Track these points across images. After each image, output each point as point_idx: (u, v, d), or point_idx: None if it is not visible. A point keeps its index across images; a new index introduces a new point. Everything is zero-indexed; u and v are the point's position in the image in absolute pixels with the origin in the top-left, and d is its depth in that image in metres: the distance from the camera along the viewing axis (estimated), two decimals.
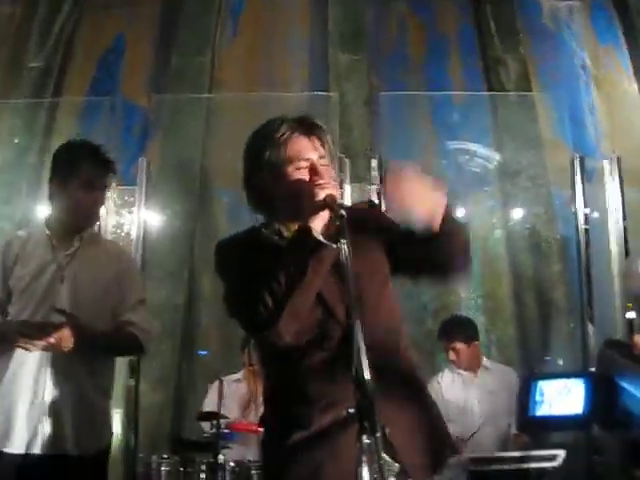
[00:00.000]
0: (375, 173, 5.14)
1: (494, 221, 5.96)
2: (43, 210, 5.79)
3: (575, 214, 5.23)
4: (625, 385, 3.30)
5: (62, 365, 2.97)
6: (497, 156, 6.04)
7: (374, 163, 5.30)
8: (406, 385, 2.14)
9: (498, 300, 5.94)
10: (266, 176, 2.09)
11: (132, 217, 5.36)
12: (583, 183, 5.24)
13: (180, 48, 6.58)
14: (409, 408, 2.09)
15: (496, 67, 6.44)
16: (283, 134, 2.07)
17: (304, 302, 1.97)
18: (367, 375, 1.67)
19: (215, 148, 6.08)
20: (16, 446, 2.95)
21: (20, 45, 6.80)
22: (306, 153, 2.08)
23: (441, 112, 6.23)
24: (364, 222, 2.12)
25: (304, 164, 2.06)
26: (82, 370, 3.02)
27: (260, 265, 1.99)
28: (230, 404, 4.59)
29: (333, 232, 1.92)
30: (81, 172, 3.03)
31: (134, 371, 5.00)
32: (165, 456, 4.12)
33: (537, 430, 3.71)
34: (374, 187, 5.17)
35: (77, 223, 3.11)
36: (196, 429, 4.82)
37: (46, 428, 2.95)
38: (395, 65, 6.52)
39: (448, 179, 5.92)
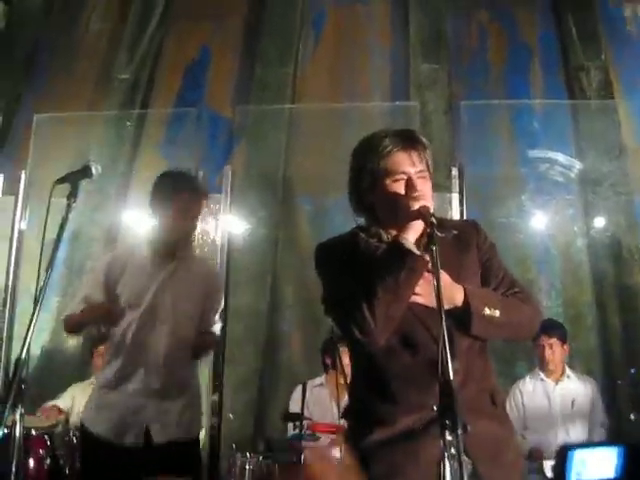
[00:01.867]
0: (456, 181, 5.16)
1: (575, 229, 5.91)
2: (131, 216, 6.03)
3: None
4: None
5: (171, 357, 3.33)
6: (578, 164, 5.99)
7: (455, 172, 5.32)
8: (490, 399, 2.23)
9: (580, 308, 5.88)
10: (367, 184, 2.21)
11: (217, 224, 5.51)
12: None
13: (263, 59, 6.73)
14: (492, 422, 2.18)
15: (578, 75, 6.39)
16: (385, 148, 2.19)
17: (397, 310, 2.08)
18: (451, 375, 1.76)
19: (297, 157, 6.19)
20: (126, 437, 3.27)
21: (110, 59, 7.09)
22: (404, 167, 2.18)
23: (522, 120, 6.21)
24: (466, 234, 2.26)
25: (402, 177, 2.17)
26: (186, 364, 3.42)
27: (355, 268, 2.13)
28: (313, 407, 4.70)
29: (426, 242, 2.01)
30: (179, 201, 3.34)
31: (218, 375, 5.15)
32: (249, 454, 4.24)
33: None
34: (455, 195, 5.20)
35: (175, 246, 3.43)
36: (277, 431, 4.95)
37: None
38: (476, 74, 6.52)
39: (529, 188, 5.93)
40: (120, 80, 6.91)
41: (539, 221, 5.97)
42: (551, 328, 5.00)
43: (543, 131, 6.14)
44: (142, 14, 7.19)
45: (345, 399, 4.73)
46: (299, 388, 4.60)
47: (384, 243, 2.20)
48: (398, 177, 2.17)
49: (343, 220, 5.66)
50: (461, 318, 2.11)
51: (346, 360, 4.27)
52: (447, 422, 1.72)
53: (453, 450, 1.71)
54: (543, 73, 6.53)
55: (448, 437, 1.72)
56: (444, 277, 2.01)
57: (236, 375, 5.71)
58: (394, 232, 2.17)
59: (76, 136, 6.53)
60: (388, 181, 2.18)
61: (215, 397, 5.18)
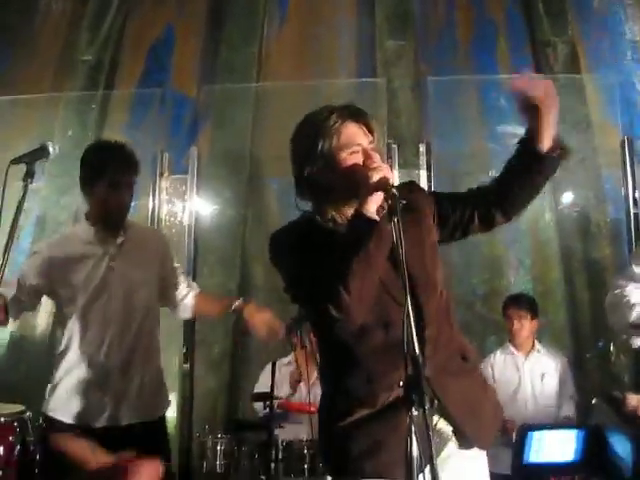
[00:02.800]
0: (423, 158, 5.15)
1: (544, 204, 5.92)
2: None
3: (625, 197, 5.19)
4: (614, 440, 3.45)
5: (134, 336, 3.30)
6: None
7: (422, 148, 5.31)
8: (461, 358, 2.24)
9: (548, 284, 5.91)
10: (320, 164, 2.17)
11: (184, 205, 5.46)
12: (633, 165, 5.20)
13: (228, 39, 6.64)
14: (465, 379, 2.19)
15: (544, 50, 6.38)
16: (335, 122, 2.16)
17: (372, 283, 2.06)
18: (417, 349, 1.76)
19: (264, 136, 6.14)
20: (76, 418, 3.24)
21: (72, 39, 6.95)
22: (358, 139, 2.17)
23: (489, 96, 6.18)
24: (411, 199, 2.20)
25: (356, 149, 2.15)
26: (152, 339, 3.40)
27: (316, 251, 2.09)
28: (282, 386, 4.68)
29: (386, 213, 1.99)
30: (106, 173, 3.24)
31: (189, 355, 5.12)
32: (220, 435, 4.24)
33: (531, 476, 3.82)
34: (423, 172, 5.19)
35: (112, 219, 3.33)
36: (249, 411, 4.93)
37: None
38: (442, 50, 6.49)
39: (497, 164, 5.92)
40: (82, 61, 6.79)
41: None
42: (520, 301, 5.05)
43: (511, 106, 6.10)
44: None
45: (314, 378, 4.77)
46: (268, 367, 4.59)
47: (340, 226, 2.17)
48: (354, 149, 2.15)
49: None
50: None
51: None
52: (414, 397, 1.72)
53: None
54: (510, 48, 6.51)
55: (415, 412, 1.72)
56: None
57: (207, 356, 5.68)
58: (349, 212, 2.14)
59: (38, 119, 6.44)
60: (344, 155, 2.15)
61: (186, 378, 5.16)
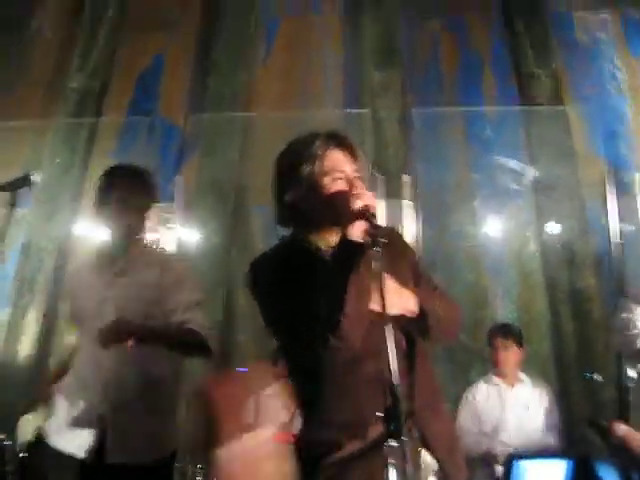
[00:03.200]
0: (407, 189, 5.17)
1: (528, 235, 5.96)
2: (84, 226, 5.96)
3: (607, 228, 5.24)
4: (602, 470, 3.45)
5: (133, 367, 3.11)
6: (531, 170, 6.05)
7: (406, 179, 5.34)
8: (436, 396, 2.24)
9: (533, 314, 5.93)
10: (302, 189, 2.15)
11: (169, 233, 5.47)
12: (617, 197, 5.25)
13: (216, 68, 6.71)
14: (445, 417, 2.25)
15: (529, 82, 6.46)
16: (319, 148, 2.15)
17: (366, 307, 2.01)
18: (395, 380, 1.75)
19: (251, 165, 6.17)
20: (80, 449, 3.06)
21: (61, 66, 6.99)
22: (342, 165, 2.16)
23: (474, 128, 6.26)
24: (394, 240, 2.23)
25: (340, 175, 2.15)
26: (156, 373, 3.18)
27: (307, 279, 2.05)
28: (265, 419, 4.66)
29: (368, 241, 1.98)
30: (113, 194, 3.12)
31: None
32: (200, 466, 4.21)
33: None
34: (407, 202, 5.22)
35: (123, 243, 3.20)
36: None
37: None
38: (428, 82, 6.56)
39: (482, 194, 5.98)
40: (72, 88, 6.83)
41: (493, 227, 6.02)
42: (508, 330, 5.05)
43: (496, 138, 6.19)
44: (94, 22, 7.10)
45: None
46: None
47: (321, 251, 2.16)
48: (337, 175, 2.15)
49: None
50: (416, 323, 2.11)
51: None
52: (392, 428, 1.71)
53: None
54: (495, 81, 6.58)
55: (393, 444, 1.70)
56: (391, 282, 2.00)
57: (191, 387, 5.65)
58: (332, 238, 2.13)
59: (27, 145, 6.46)
60: (326, 180, 2.14)
61: None
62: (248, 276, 2.22)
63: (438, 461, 2.12)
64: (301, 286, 2.05)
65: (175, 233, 5.41)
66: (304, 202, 2.17)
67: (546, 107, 6.27)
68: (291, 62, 6.69)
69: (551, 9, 6.76)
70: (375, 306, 2.02)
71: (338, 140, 2.20)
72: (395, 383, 1.75)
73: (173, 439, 3.31)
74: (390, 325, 1.81)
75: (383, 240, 1.94)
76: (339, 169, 2.15)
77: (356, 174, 2.18)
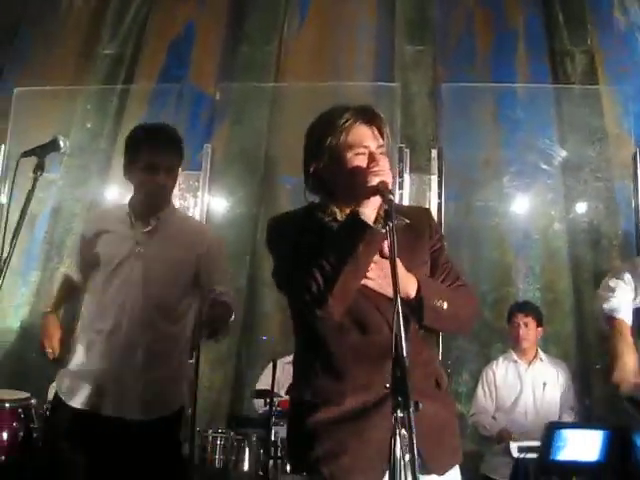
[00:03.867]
0: (435, 163, 5.16)
1: (554, 214, 5.93)
2: (113, 192, 6.02)
3: (636, 209, 5.20)
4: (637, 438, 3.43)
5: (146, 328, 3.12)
6: (560, 149, 6.01)
7: (434, 154, 5.33)
8: (435, 383, 2.23)
9: (557, 293, 5.92)
10: (326, 160, 2.18)
11: (196, 201, 5.51)
12: None
13: (248, 37, 6.71)
14: (436, 405, 2.16)
15: (563, 60, 6.39)
16: (346, 121, 2.16)
17: (354, 283, 2.06)
18: (405, 352, 1.76)
19: (279, 136, 6.19)
20: (85, 403, 3.09)
21: (93, 33, 7.04)
22: (365, 140, 2.17)
23: (505, 105, 6.21)
24: (419, 222, 2.25)
25: (363, 151, 2.16)
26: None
27: (310, 243, 2.09)
28: (284, 384, 4.72)
29: (382, 218, 2.01)
30: (141, 155, 3.09)
31: (195, 351, 5.15)
32: (221, 431, 4.28)
33: (555, 473, 3.83)
34: (434, 177, 5.21)
35: (146, 204, 3.18)
36: (253, 408, 4.97)
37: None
38: (461, 57, 6.51)
39: (510, 172, 5.95)
40: (104, 55, 6.88)
41: (519, 205, 6.00)
42: (527, 307, 5.07)
43: (526, 115, 6.14)
44: None
45: None
46: (270, 365, 4.65)
47: (337, 222, 2.18)
48: (360, 151, 2.15)
49: None
50: (412, 308, 2.11)
51: None
52: (399, 399, 1.72)
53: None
54: (529, 58, 6.52)
55: (400, 414, 1.72)
56: (398, 264, 2.01)
57: (213, 352, 5.73)
58: (348, 211, 2.14)
59: (58, 110, 6.51)
60: (349, 155, 2.15)
61: (191, 373, 5.18)
62: (267, 230, 2.30)
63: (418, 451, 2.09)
64: (305, 250, 2.08)
65: (201, 201, 5.44)
66: (326, 173, 2.19)
67: (578, 86, 6.20)
68: (323, 34, 6.67)
69: None
70: (368, 282, 2.09)
71: (367, 115, 2.20)
72: (404, 355, 1.76)
73: (179, 397, 3.33)
74: (399, 301, 1.81)
75: (402, 221, 1.96)
76: (362, 144, 2.16)
77: (380, 150, 2.19)
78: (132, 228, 3.18)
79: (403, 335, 1.77)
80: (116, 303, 3.11)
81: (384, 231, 1.96)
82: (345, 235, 2.06)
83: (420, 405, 1.73)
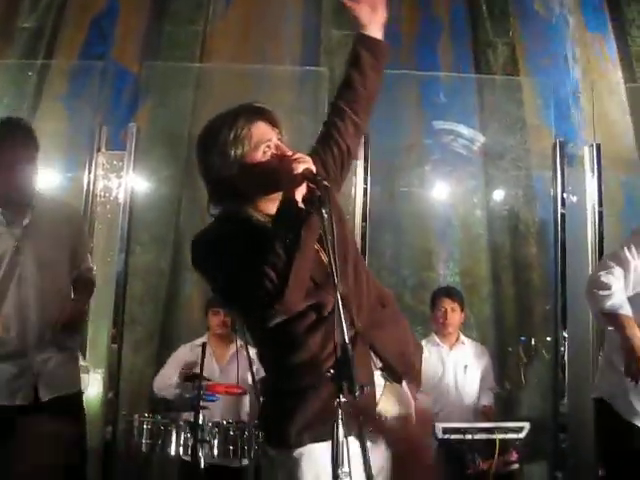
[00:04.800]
0: (361, 150, 5.18)
1: (475, 201, 6.07)
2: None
3: (554, 198, 5.36)
4: None
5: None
6: (481, 138, 6.14)
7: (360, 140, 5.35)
8: (381, 306, 2.35)
9: (476, 278, 6.06)
10: (236, 169, 2.18)
11: (120, 182, 5.41)
12: (563, 168, 5.36)
13: (173, 16, 6.60)
14: (389, 325, 2.31)
15: (485, 50, 6.52)
16: (243, 127, 2.19)
17: (305, 269, 2.08)
18: (347, 338, 1.81)
19: (204, 117, 6.05)
20: None
21: (12, 5, 6.80)
22: (267, 135, 2.22)
23: (429, 92, 6.29)
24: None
25: (268, 145, 2.20)
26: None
27: (247, 248, 2.10)
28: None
29: (314, 203, 2.01)
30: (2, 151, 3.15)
31: (117, 334, 5.10)
32: (147, 415, 4.25)
33: None
34: (360, 163, 5.25)
35: (10, 201, 3.23)
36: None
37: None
38: (386, 42, 6.53)
39: (432, 159, 6.05)
40: (22, 28, 6.65)
41: (441, 192, 6.10)
42: (453, 293, 5.19)
43: (449, 103, 6.24)
44: None
45: (227, 358, 4.85)
46: (181, 349, 4.73)
47: (262, 222, 2.19)
48: (265, 148, 2.19)
49: None
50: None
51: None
52: (344, 384, 1.77)
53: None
54: (453, 46, 6.62)
55: (343, 399, 1.78)
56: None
57: (136, 334, 5.68)
58: (271, 206, 2.17)
59: None
60: (259, 155, 2.19)
61: (114, 356, 5.13)
62: (192, 254, 2.25)
63: (388, 366, 2.26)
64: (245, 256, 2.08)
65: (125, 181, 5.35)
66: (238, 179, 2.19)
67: (500, 76, 6.34)
68: (250, 14, 6.61)
69: None
70: None
71: (259, 112, 2.25)
72: (347, 342, 1.82)
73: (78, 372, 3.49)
74: (339, 293, 1.88)
75: (327, 185, 1.98)
76: (266, 139, 2.20)
77: (280, 138, 2.24)
78: (8, 226, 3.23)
79: (342, 314, 1.85)
80: (15, 300, 3.20)
81: (321, 215, 1.96)
82: (287, 225, 2.06)
83: (366, 389, 1.77)
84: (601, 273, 3.45)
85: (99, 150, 5.46)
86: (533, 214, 5.97)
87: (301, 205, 2.05)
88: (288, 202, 2.07)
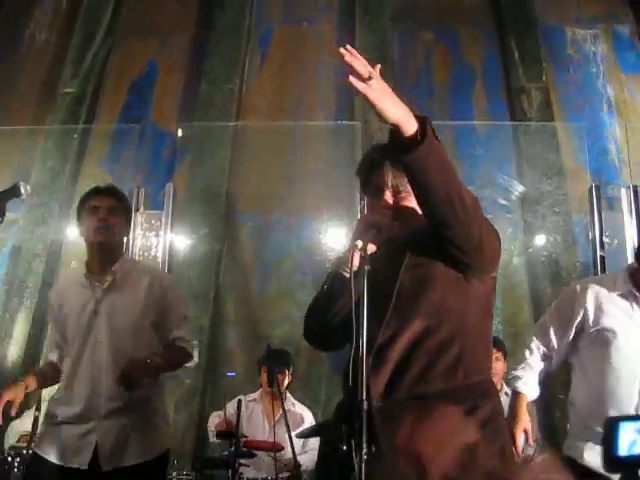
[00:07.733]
0: None
1: (514, 248, 6.01)
2: (74, 232, 5.98)
3: (592, 241, 5.29)
4: None
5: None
6: (519, 184, 6.11)
7: None
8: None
9: (518, 326, 5.97)
10: None
11: (159, 240, 5.49)
12: (600, 211, 5.29)
13: (209, 76, 6.75)
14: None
15: (519, 97, 6.52)
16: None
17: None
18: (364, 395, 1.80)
19: (241, 174, 6.19)
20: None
21: (55, 71, 7.03)
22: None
23: (464, 141, 6.29)
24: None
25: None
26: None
27: None
28: (246, 425, 4.70)
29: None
30: (86, 203, 3.29)
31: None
32: (186, 473, 4.24)
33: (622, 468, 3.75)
34: None
35: (106, 260, 3.29)
36: (218, 449, 4.93)
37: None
38: (420, 94, 6.60)
39: None
40: (65, 94, 6.86)
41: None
42: (497, 342, 5.10)
43: (485, 152, 6.24)
44: (88, 27, 7.16)
45: (278, 415, 4.81)
46: (231, 404, 4.68)
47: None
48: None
49: (285, 237, 5.68)
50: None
51: (281, 378, 4.33)
52: (352, 443, 1.74)
53: None
54: (486, 94, 6.63)
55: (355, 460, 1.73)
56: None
57: (178, 392, 5.68)
58: None
59: (19, 150, 6.49)
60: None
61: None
62: None
63: None
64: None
65: (164, 239, 5.43)
66: None
67: (535, 122, 6.32)
68: (284, 71, 6.73)
69: (542, 23, 6.83)
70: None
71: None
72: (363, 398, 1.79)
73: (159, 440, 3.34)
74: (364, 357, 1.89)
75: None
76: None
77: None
78: (91, 288, 3.27)
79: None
80: (91, 365, 3.19)
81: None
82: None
83: (373, 448, 1.73)
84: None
85: (137, 210, 5.56)
86: (573, 258, 5.89)
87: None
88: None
